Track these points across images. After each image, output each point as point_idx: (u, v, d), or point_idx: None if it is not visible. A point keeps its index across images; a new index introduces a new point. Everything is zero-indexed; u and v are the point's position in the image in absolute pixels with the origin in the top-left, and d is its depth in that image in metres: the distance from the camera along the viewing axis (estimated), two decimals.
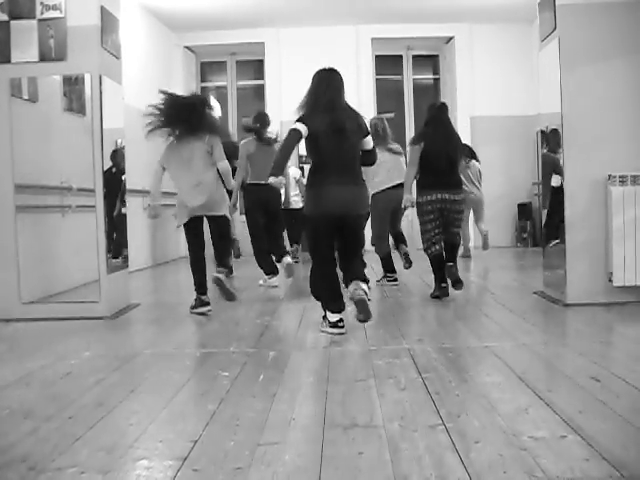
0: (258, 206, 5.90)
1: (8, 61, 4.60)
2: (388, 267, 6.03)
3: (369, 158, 4.04)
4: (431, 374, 2.89)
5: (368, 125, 4.14)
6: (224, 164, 4.71)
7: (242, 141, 6.19)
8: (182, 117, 4.56)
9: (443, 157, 4.91)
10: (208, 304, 4.68)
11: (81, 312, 4.61)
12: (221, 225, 4.82)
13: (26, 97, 4.89)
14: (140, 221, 7.32)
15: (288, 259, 5.96)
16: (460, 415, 2.32)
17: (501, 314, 4.47)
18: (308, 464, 1.93)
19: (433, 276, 5.07)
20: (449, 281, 5.01)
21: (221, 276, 4.76)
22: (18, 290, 4.66)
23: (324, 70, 3.92)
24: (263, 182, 5.79)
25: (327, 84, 3.84)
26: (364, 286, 3.82)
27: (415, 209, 5.13)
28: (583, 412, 2.31)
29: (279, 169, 3.81)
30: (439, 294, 4.99)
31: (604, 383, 2.67)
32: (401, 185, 5.59)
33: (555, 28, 4.65)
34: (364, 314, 3.78)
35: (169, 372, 3.15)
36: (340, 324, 3.84)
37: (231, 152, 6.37)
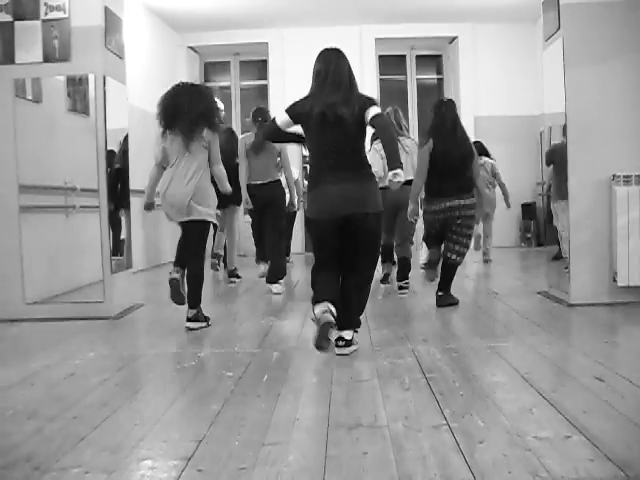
0: (257, 208, 5.74)
1: (12, 62, 4.62)
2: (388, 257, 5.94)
3: (379, 125, 3.34)
4: (435, 374, 2.89)
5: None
6: (218, 169, 4.21)
7: (241, 136, 6.03)
8: (173, 111, 4.01)
9: (454, 160, 4.54)
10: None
11: (85, 312, 4.62)
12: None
13: (30, 97, 4.90)
14: (137, 222, 7.29)
15: (277, 288, 5.61)
16: (464, 415, 2.32)
17: (505, 314, 4.47)
18: (312, 464, 1.93)
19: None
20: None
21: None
22: (22, 290, 4.67)
23: (327, 50, 3.49)
24: (260, 182, 5.76)
25: (329, 65, 3.41)
26: (349, 336, 3.37)
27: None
28: (588, 412, 2.30)
29: None
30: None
31: (608, 383, 2.66)
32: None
33: (559, 27, 4.63)
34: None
35: (173, 372, 3.16)
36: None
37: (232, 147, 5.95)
